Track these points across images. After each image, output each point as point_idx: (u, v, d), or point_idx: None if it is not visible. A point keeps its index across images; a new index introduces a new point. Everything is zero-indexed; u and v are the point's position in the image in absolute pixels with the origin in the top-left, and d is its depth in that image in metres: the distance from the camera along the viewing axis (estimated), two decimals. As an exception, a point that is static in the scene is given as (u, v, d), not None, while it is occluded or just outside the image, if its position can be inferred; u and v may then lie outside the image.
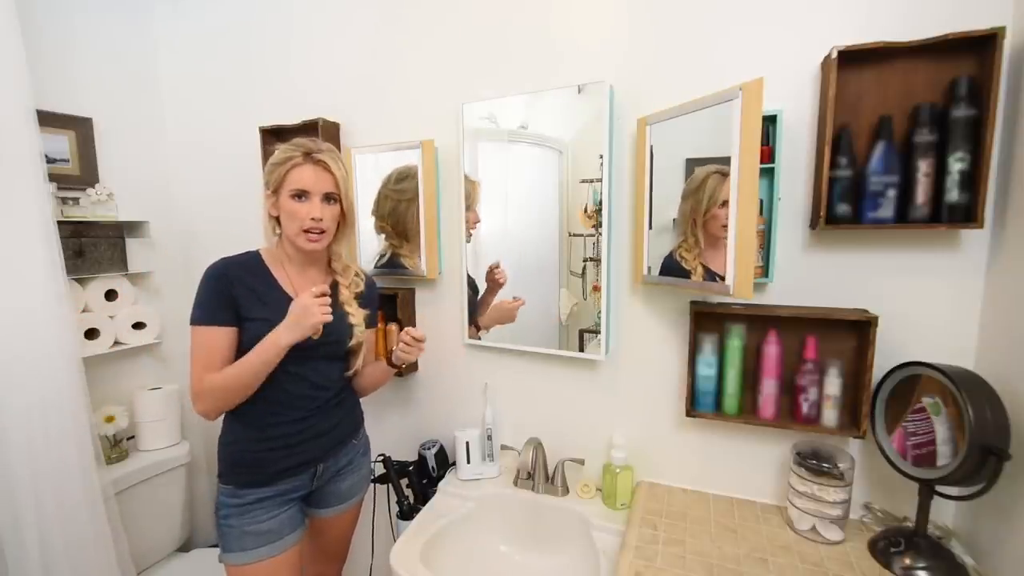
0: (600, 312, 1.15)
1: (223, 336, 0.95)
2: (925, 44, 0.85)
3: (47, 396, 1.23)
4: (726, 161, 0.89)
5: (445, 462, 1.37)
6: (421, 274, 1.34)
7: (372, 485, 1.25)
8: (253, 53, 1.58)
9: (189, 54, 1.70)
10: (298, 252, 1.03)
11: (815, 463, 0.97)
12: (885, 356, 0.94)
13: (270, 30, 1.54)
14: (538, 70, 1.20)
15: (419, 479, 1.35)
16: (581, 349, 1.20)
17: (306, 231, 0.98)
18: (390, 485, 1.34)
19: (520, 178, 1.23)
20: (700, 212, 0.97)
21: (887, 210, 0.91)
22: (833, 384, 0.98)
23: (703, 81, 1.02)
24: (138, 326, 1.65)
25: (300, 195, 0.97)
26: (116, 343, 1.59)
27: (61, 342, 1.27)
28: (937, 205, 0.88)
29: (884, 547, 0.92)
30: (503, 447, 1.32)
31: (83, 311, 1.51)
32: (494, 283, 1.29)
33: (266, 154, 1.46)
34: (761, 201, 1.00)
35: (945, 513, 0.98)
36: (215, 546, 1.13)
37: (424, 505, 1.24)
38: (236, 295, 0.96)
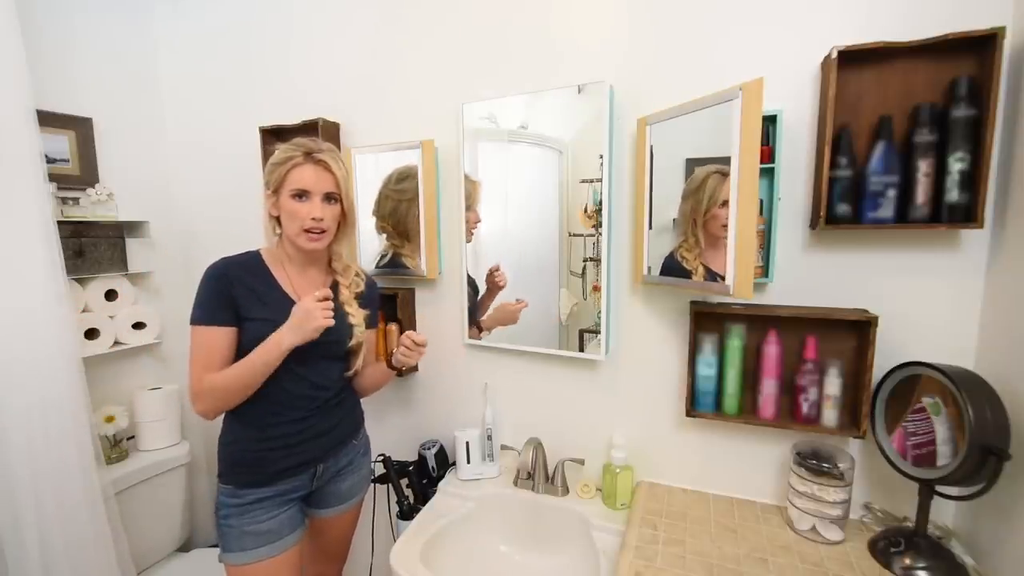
0: (600, 312, 1.15)
1: (223, 336, 0.95)
2: (925, 44, 0.85)
3: (47, 396, 1.23)
4: (726, 161, 0.89)
5: (445, 462, 1.37)
6: (421, 274, 1.35)
7: (372, 485, 1.25)
8: (253, 53, 1.58)
9: (189, 54, 1.70)
10: (298, 252, 1.03)
11: (815, 463, 0.97)
12: (885, 356, 0.94)
13: (270, 30, 1.54)
14: (538, 70, 1.20)
15: (419, 479, 1.35)
16: (581, 349, 1.20)
17: (307, 231, 0.98)
18: (390, 485, 1.34)
19: (520, 178, 1.23)
20: (700, 212, 0.97)
21: (887, 210, 0.91)
22: (833, 384, 0.98)
23: (703, 81, 1.02)
24: (138, 326, 1.65)
25: (301, 195, 0.97)
26: (116, 343, 1.59)
27: (61, 342, 1.27)
28: (937, 205, 0.88)
29: (884, 547, 0.92)
30: (503, 447, 1.32)
31: (83, 311, 1.51)
32: (494, 285, 1.29)
33: (266, 154, 1.46)
34: (761, 201, 1.00)
35: (945, 513, 0.98)
36: (215, 546, 1.13)
37: (424, 505, 1.24)
38: (236, 295, 0.96)
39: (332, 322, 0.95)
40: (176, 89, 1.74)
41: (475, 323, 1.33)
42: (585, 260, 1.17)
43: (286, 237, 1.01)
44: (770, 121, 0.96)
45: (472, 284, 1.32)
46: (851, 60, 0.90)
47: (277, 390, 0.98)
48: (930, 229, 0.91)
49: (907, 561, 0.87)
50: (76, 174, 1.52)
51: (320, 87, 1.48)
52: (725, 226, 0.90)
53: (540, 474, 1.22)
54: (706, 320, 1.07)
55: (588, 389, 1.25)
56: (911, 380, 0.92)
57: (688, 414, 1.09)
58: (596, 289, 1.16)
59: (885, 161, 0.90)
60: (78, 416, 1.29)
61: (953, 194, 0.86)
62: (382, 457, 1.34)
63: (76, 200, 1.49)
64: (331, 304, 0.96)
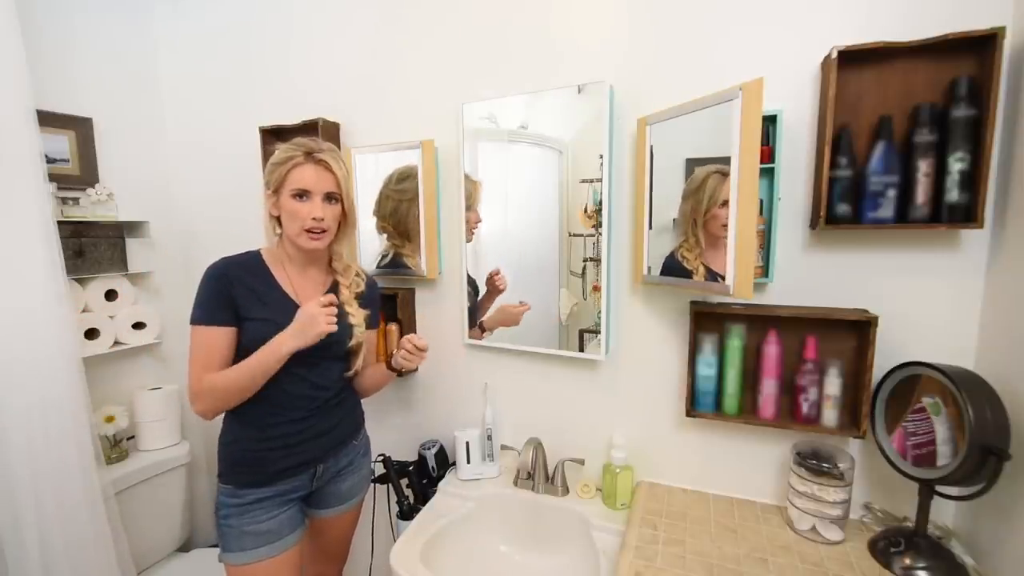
0: (600, 312, 1.15)
1: (222, 336, 0.95)
2: (925, 44, 0.85)
3: (47, 396, 1.23)
4: (726, 161, 0.89)
5: (445, 462, 1.37)
6: (421, 274, 1.35)
7: (372, 485, 1.25)
8: (253, 53, 1.58)
9: (189, 54, 1.70)
10: (299, 252, 1.03)
11: (815, 463, 0.97)
12: (885, 356, 0.94)
13: (270, 30, 1.54)
14: (538, 70, 1.20)
15: (419, 479, 1.35)
16: (581, 349, 1.20)
17: (307, 230, 0.98)
18: (390, 485, 1.34)
19: (520, 178, 1.23)
20: (700, 212, 0.97)
21: (887, 210, 0.91)
22: (833, 384, 0.98)
23: (703, 81, 1.02)
24: (138, 326, 1.65)
25: (301, 195, 0.97)
26: (116, 343, 1.59)
27: (61, 342, 1.27)
28: (937, 205, 0.88)
29: (884, 547, 0.92)
30: (503, 447, 1.32)
31: (83, 311, 1.51)
32: (494, 288, 1.30)
33: (266, 154, 1.46)
34: (761, 201, 1.00)
35: (945, 513, 0.98)
36: (215, 546, 1.13)
37: (424, 505, 1.24)
38: (236, 295, 0.96)
39: (335, 328, 0.96)
40: (176, 89, 1.74)
41: (478, 324, 1.33)
42: (585, 260, 1.17)
43: (286, 237, 1.01)
44: (770, 121, 0.96)
45: (472, 284, 1.32)
46: (851, 60, 0.90)
47: (277, 390, 0.98)
48: (930, 229, 0.91)
49: (907, 561, 0.87)
50: (76, 174, 1.52)
51: (320, 87, 1.48)
52: (725, 226, 0.90)
53: (540, 474, 1.22)
54: (706, 320, 1.07)
55: (588, 389, 1.25)
56: (911, 380, 0.92)
57: (688, 414, 1.09)
58: (596, 289, 1.16)
59: (885, 161, 0.90)
60: (78, 416, 1.29)
61: (953, 194, 0.86)
62: (382, 457, 1.34)
63: (76, 200, 1.49)
64: (335, 310, 0.96)
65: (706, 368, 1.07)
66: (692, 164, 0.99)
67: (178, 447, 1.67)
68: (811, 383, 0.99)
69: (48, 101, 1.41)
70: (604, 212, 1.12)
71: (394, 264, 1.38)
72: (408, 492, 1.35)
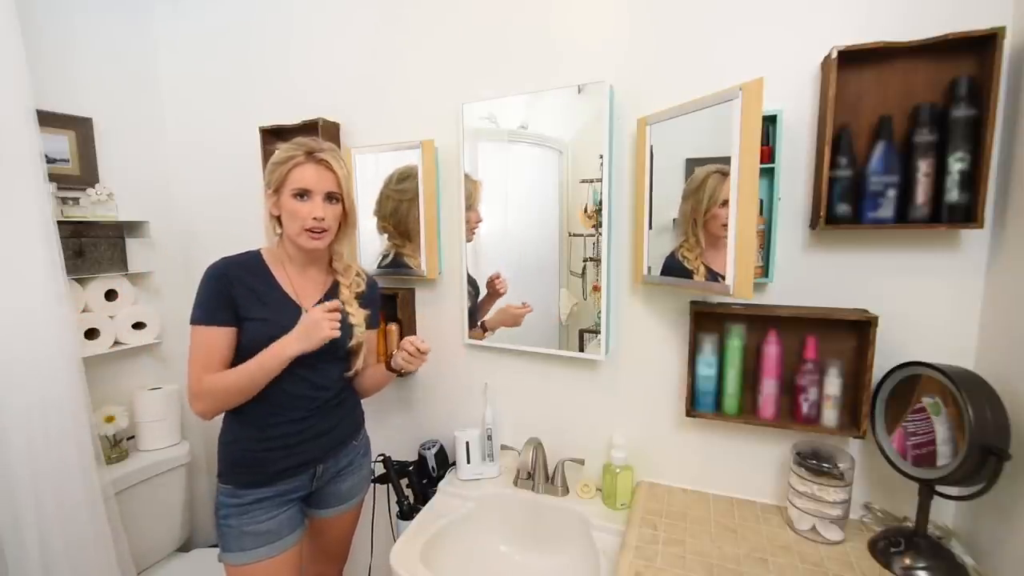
0: (600, 312, 1.15)
1: (222, 336, 0.95)
2: (925, 44, 0.85)
3: (47, 396, 1.23)
4: (726, 161, 0.88)
5: (445, 462, 1.37)
6: (421, 274, 1.35)
7: (372, 485, 1.25)
8: (253, 53, 1.58)
9: (189, 54, 1.70)
10: (299, 252, 1.03)
11: (815, 463, 0.97)
12: (885, 356, 0.94)
13: (270, 30, 1.54)
14: (538, 70, 1.20)
15: (419, 479, 1.35)
16: (581, 349, 1.20)
17: (308, 230, 0.98)
18: (390, 485, 1.34)
19: (520, 178, 1.23)
20: (700, 212, 0.97)
21: (887, 210, 0.91)
22: (833, 384, 0.98)
23: (703, 81, 1.02)
24: (138, 326, 1.65)
25: (302, 194, 0.97)
26: (116, 343, 1.59)
27: (61, 342, 1.27)
28: (937, 205, 0.88)
29: (884, 547, 0.92)
30: (503, 447, 1.32)
31: (83, 311, 1.51)
32: (495, 292, 1.30)
33: (266, 154, 1.46)
34: (761, 201, 1.00)
35: (945, 513, 0.98)
36: (215, 546, 1.13)
37: (424, 505, 1.24)
38: (235, 295, 0.96)
39: (339, 334, 0.96)
40: (176, 89, 1.74)
41: (479, 324, 1.33)
42: (585, 260, 1.17)
43: (287, 236, 1.01)
44: (770, 121, 0.96)
45: (473, 284, 1.32)
46: (851, 60, 0.90)
47: (277, 391, 0.98)
48: (930, 229, 0.91)
49: (907, 561, 0.87)
50: (76, 174, 1.52)
51: (320, 87, 1.48)
52: (725, 226, 0.90)
53: (540, 474, 1.22)
54: (706, 320, 1.07)
55: (588, 389, 1.25)
56: (911, 380, 0.92)
57: (688, 414, 1.09)
58: (596, 289, 1.16)
59: (885, 161, 0.90)
60: (78, 416, 1.29)
61: (953, 194, 0.86)
62: (382, 457, 1.34)
63: (76, 200, 1.49)
64: (339, 316, 0.97)
65: (706, 368, 1.07)
66: (692, 164, 0.99)
67: (178, 447, 1.67)
68: (811, 383, 0.99)
69: (48, 101, 1.41)
70: (604, 212, 1.12)
71: (395, 264, 1.38)
72: (408, 492, 1.35)
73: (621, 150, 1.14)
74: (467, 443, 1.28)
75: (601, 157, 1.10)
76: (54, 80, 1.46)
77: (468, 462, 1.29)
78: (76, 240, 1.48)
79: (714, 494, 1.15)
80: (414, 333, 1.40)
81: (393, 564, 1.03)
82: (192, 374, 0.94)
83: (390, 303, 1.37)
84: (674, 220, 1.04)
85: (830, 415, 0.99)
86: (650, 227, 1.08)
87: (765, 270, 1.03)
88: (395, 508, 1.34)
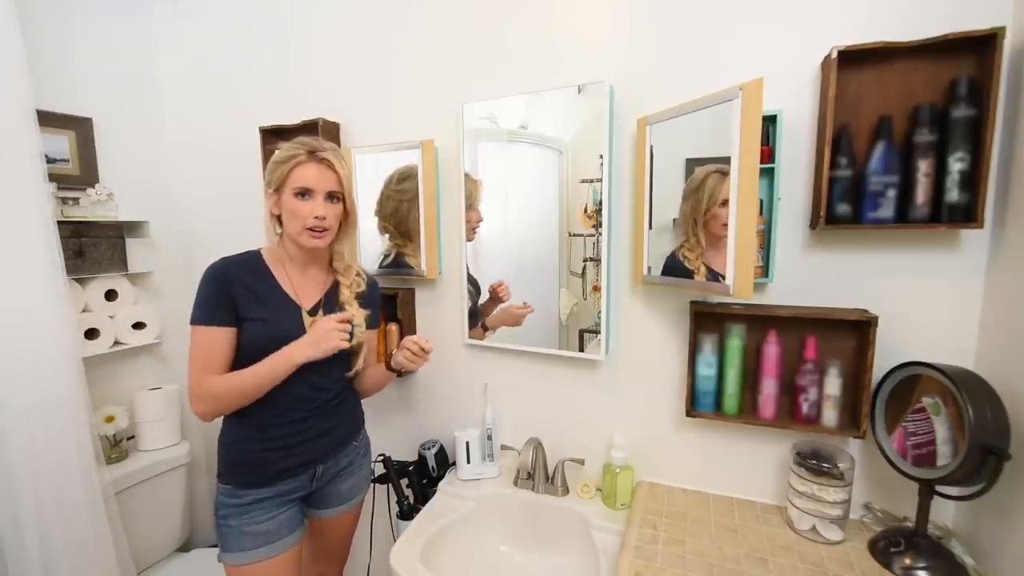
0: (600, 312, 1.15)
1: (222, 336, 0.95)
2: (925, 44, 0.85)
3: (47, 396, 1.23)
4: (726, 161, 0.88)
5: (445, 462, 1.37)
6: (421, 274, 1.35)
7: (372, 485, 1.25)
8: (253, 53, 1.58)
9: (189, 54, 1.70)
10: (299, 251, 1.03)
11: (815, 463, 0.97)
12: (885, 356, 0.94)
13: (270, 30, 1.54)
14: (538, 70, 1.20)
15: (419, 479, 1.35)
16: (581, 349, 1.20)
17: (309, 229, 0.98)
18: (390, 485, 1.34)
19: (520, 178, 1.23)
20: (700, 212, 0.97)
21: (887, 210, 0.91)
22: (833, 384, 0.98)
23: (703, 81, 1.02)
24: (138, 326, 1.65)
25: (303, 193, 0.97)
26: (116, 343, 1.59)
27: (61, 342, 1.27)
28: (937, 205, 0.88)
29: (884, 547, 0.92)
30: (503, 447, 1.32)
31: (83, 311, 1.51)
32: (497, 299, 1.30)
33: (266, 154, 1.47)
34: (761, 201, 1.00)
35: (945, 513, 0.98)
36: (215, 546, 1.13)
37: (424, 505, 1.24)
38: (235, 295, 0.96)
39: (348, 344, 0.97)
40: (176, 89, 1.74)
41: (480, 324, 1.33)
42: (585, 260, 1.17)
43: (287, 236, 1.01)
44: (770, 121, 0.96)
45: (474, 283, 1.32)
46: (851, 60, 0.90)
47: (277, 391, 0.98)
48: (930, 229, 0.91)
49: (907, 561, 0.87)
50: (76, 174, 1.52)
51: (320, 87, 1.48)
52: (725, 225, 0.90)
53: (540, 474, 1.22)
54: (706, 320, 1.07)
55: (588, 389, 1.25)
56: (911, 380, 0.92)
57: (688, 414, 1.09)
58: (596, 289, 1.16)
59: (885, 161, 0.90)
60: (78, 416, 1.29)
61: (953, 194, 0.86)
62: (382, 457, 1.34)
63: (76, 200, 1.49)
64: (350, 327, 0.98)
65: (706, 368, 1.07)
66: (692, 164, 0.99)
67: (178, 447, 1.67)
68: (811, 383, 0.99)
69: (48, 101, 1.41)
70: (604, 212, 1.12)
71: (397, 264, 1.38)
72: (408, 492, 1.35)
73: (621, 150, 1.14)
74: (467, 443, 1.28)
75: (601, 157, 1.10)
76: (54, 80, 1.46)
77: (468, 462, 1.29)
78: (76, 240, 1.48)
79: (714, 494, 1.15)
80: (414, 333, 1.40)
81: (393, 564, 1.03)
82: (192, 374, 0.94)
83: (390, 303, 1.37)
84: (674, 220, 1.04)
85: (830, 415, 0.99)
86: (650, 227, 1.08)
87: (765, 270, 1.03)
88: (395, 508, 1.34)
